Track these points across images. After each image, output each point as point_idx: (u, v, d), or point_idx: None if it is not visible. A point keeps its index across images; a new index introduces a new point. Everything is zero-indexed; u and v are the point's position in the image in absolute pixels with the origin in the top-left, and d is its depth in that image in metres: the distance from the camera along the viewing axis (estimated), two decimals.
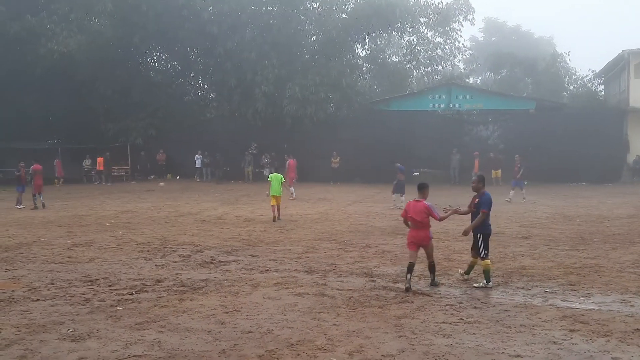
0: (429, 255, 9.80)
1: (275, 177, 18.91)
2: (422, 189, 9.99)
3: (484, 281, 9.55)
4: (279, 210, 18.49)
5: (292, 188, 25.48)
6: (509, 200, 22.79)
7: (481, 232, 9.87)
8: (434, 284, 9.73)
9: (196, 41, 37.34)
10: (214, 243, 13.94)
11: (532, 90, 41.56)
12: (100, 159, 35.55)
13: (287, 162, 28.26)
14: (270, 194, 18.50)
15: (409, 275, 9.43)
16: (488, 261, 9.68)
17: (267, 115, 34.75)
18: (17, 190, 22.89)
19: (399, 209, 18.81)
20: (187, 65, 41.14)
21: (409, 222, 9.86)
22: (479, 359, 6.30)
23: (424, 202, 9.77)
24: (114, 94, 36.30)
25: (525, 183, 24.37)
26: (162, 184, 33.31)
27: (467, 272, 10.10)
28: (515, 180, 23.91)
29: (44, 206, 22.00)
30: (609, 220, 17.63)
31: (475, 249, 9.93)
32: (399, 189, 21.76)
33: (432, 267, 9.83)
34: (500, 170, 31.45)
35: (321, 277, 10.24)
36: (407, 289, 9.29)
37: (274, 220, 17.95)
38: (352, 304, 8.47)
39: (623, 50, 34.67)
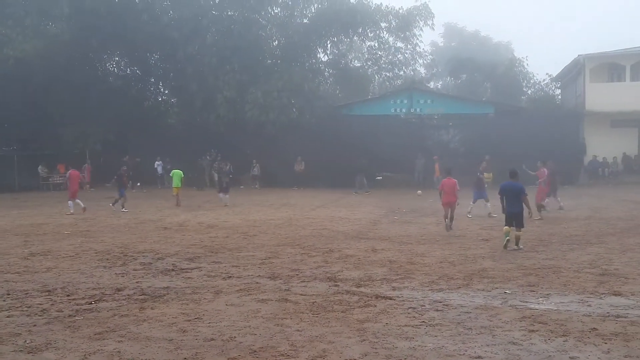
0: (452, 211, 16.01)
1: (176, 173, 25.21)
2: (450, 171, 16.57)
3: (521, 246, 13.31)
4: (178, 198, 24.46)
5: (76, 201, 22.03)
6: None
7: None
8: (449, 228, 15.98)
9: (156, 46, 36.92)
10: (176, 250, 13.78)
11: (491, 95, 42.29)
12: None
13: (68, 172, 23.23)
14: (173, 186, 25.11)
15: (446, 220, 16.06)
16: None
17: (229, 121, 34.52)
18: (122, 194, 23.09)
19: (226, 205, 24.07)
20: (146, 70, 40.63)
21: (442, 192, 16.11)
22: None
23: (453, 179, 16.06)
24: (72, 99, 35.53)
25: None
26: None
27: (516, 243, 13.27)
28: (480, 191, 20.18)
29: None
30: (566, 222, 18.01)
31: (518, 222, 13.37)
32: (226, 189, 25.14)
33: (452, 218, 16.05)
34: (492, 174, 30.21)
35: (284, 282, 10.21)
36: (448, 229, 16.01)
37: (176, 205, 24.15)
38: (315, 309, 8.46)
39: (579, 55, 35.53)
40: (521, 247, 13.26)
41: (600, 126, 34.49)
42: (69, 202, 22.25)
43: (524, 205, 13.46)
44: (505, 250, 13.18)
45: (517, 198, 13.40)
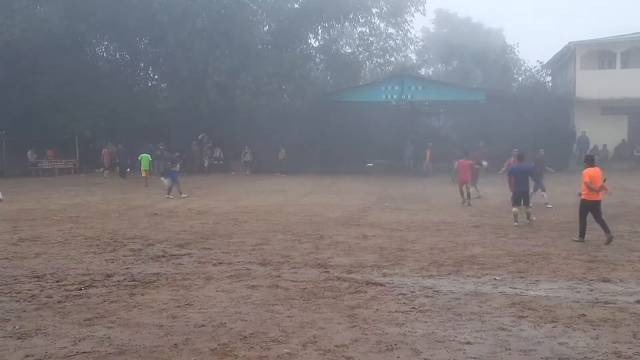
0: (468, 188, 18.82)
1: (144, 157, 27.58)
2: (467, 153, 19.70)
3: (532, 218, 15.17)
4: (147, 180, 26.88)
5: None
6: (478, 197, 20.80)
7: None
8: (467, 203, 18.52)
9: (146, 30, 36.53)
10: (166, 236, 13.74)
11: (482, 81, 42.17)
12: None
13: None
14: (142, 168, 27.39)
15: (463, 196, 18.75)
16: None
17: (220, 106, 34.35)
18: (175, 179, 22.74)
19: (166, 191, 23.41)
20: (136, 55, 40.25)
21: (457, 171, 19.08)
22: (430, 347, 6.39)
23: (469, 160, 18.99)
24: (61, 84, 35.18)
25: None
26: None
27: (528, 217, 15.10)
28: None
29: None
30: (556, 209, 18.10)
31: (526, 200, 15.12)
32: (172, 175, 24.30)
33: (468, 194, 18.75)
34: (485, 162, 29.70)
35: (275, 268, 10.21)
36: (466, 203, 18.62)
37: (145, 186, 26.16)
38: (305, 295, 8.47)
39: (570, 42, 35.52)
40: (534, 218, 15.18)
41: (590, 113, 34.57)
42: None
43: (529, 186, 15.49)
44: (497, 236, 13.27)
45: (525, 178, 15.19)
